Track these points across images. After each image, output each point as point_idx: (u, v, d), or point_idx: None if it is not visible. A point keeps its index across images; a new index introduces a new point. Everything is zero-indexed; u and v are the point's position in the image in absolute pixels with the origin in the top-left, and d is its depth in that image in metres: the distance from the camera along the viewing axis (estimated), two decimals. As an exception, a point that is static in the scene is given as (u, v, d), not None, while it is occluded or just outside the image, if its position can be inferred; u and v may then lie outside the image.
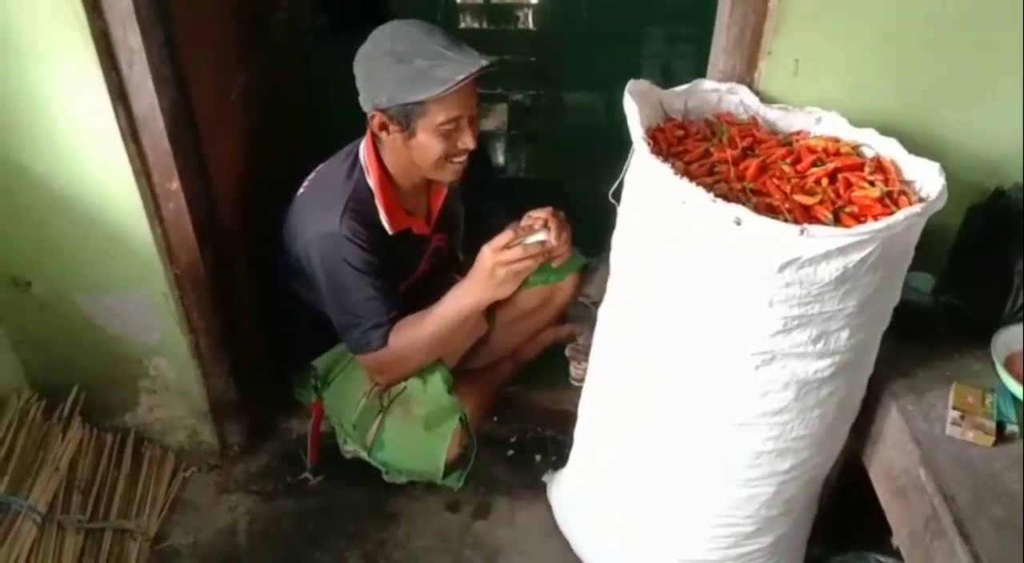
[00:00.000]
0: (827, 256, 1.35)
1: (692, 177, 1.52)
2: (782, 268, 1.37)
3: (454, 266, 2.31)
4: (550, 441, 2.32)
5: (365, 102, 1.88)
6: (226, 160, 2.03)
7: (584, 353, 2.44)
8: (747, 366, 1.49)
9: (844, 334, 1.47)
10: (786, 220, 1.42)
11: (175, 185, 1.85)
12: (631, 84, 1.61)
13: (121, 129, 1.75)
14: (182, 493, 2.19)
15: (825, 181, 1.54)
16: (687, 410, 1.60)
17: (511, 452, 2.31)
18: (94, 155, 1.77)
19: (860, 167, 1.55)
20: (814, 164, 1.56)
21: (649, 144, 1.50)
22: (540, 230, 1.82)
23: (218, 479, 2.23)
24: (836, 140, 1.63)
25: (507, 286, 1.86)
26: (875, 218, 1.44)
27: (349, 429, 2.06)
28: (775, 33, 1.63)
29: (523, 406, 2.41)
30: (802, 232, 1.33)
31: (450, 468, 2.04)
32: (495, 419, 2.36)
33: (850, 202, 1.49)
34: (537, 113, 3.85)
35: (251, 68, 2.20)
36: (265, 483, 2.22)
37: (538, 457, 2.29)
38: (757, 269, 1.38)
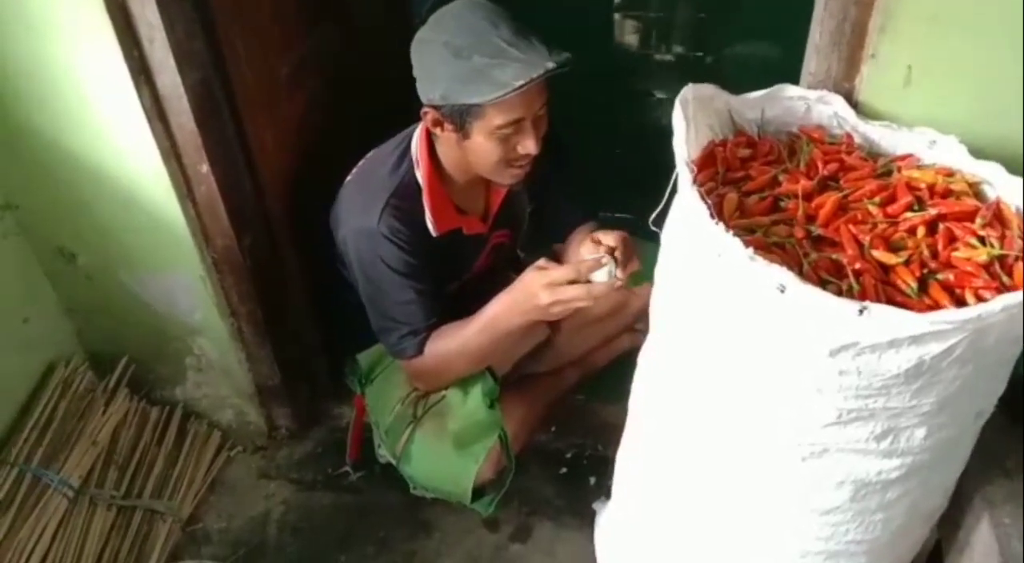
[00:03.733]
0: (895, 344, 1.01)
1: (746, 213, 1.20)
2: (834, 353, 1.03)
3: (514, 264, 2.06)
4: (609, 463, 2.04)
5: (421, 93, 1.62)
6: (274, 143, 1.83)
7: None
8: (791, 456, 1.17)
9: (919, 433, 1.12)
10: (850, 289, 1.08)
11: (205, 168, 1.67)
12: (687, 90, 1.28)
13: (145, 108, 1.58)
14: (224, 473, 2.08)
15: (921, 231, 1.17)
16: (726, 491, 1.29)
17: (564, 469, 2.06)
18: (122, 133, 1.62)
19: (971, 216, 1.16)
20: (910, 207, 1.19)
21: (692, 170, 1.18)
22: (605, 264, 1.52)
23: (261, 462, 2.11)
24: (949, 173, 1.25)
25: (560, 315, 1.60)
26: (975, 293, 1.07)
27: (382, 434, 1.87)
28: (882, 32, 1.24)
29: (585, 419, 2.13)
30: (861, 312, 0.99)
31: (482, 491, 1.82)
32: (552, 429, 2.11)
33: (948, 265, 1.12)
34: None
35: (313, 42, 1.98)
36: (306, 472, 2.08)
37: (592, 480, 2.03)
38: (804, 350, 1.05)
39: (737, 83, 1.37)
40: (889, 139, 1.32)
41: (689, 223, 1.15)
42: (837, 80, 1.32)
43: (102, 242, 1.82)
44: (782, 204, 1.22)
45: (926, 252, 1.13)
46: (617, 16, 2.87)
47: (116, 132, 1.62)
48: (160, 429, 2.04)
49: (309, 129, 1.98)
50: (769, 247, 1.13)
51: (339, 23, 2.10)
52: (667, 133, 1.22)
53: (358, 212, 1.71)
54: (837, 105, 1.33)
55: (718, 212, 1.19)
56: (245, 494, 2.04)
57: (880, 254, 1.12)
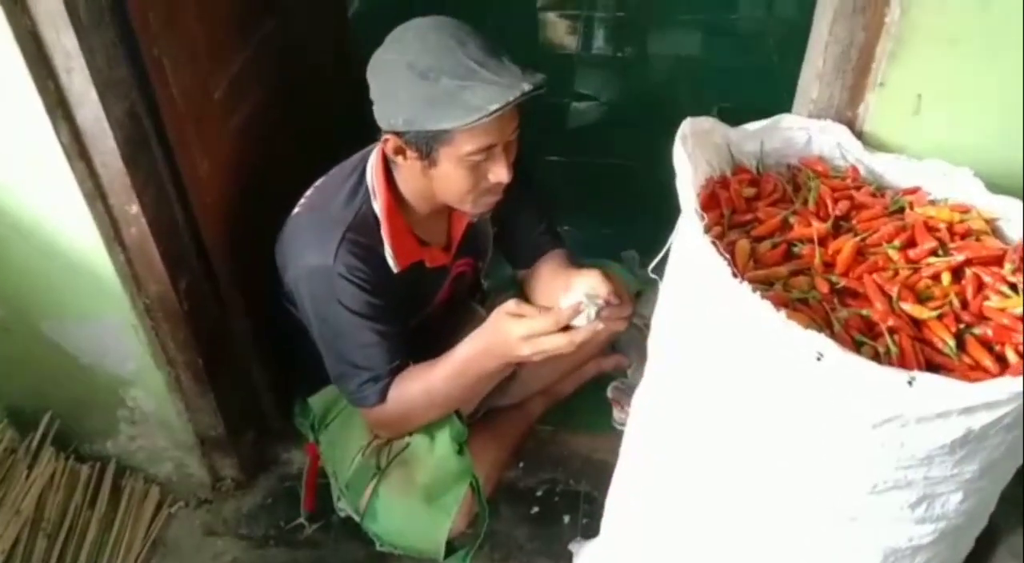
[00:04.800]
0: (943, 415, 0.91)
1: (760, 262, 1.09)
2: (877, 426, 0.93)
3: (477, 295, 1.92)
4: (583, 498, 1.93)
5: (380, 119, 1.46)
6: (209, 173, 1.64)
7: (632, 394, 2.03)
8: (817, 523, 1.08)
9: (955, 497, 1.04)
10: (888, 352, 0.98)
11: (135, 209, 1.48)
12: (686, 125, 1.16)
13: (64, 145, 1.38)
14: (165, 532, 1.89)
15: (947, 278, 1.08)
16: (740, 551, 1.19)
17: (535, 509, 1.93)
18: (38, 174, 1.42)
19: (998, 260, 1.08)
20: (934, 253, 1.10)
21: (703, 218, 1.06)
22: (584, 309, 1.39)
23: (206, 517, 1.92)
24: (965, 210, 1.16)
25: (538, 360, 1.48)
26: (1016, 349, 0.99)
27: (342, 487, 1.72)
28: (891, 59, 1.15)
29: (555, 452, 2.01)
30: (911, 383, 0.89)
31: (454, 544, 1.68)
32: (521, 465, 1.99)
33: (981, 317, 1.03)
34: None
35: (247, 59, 1.80)
36: (256, 526, 1.91)
37: (567, 518, 1.91)
38: (842, 422, 0.95)
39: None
40: (896, 171, 1.23)
41: (702, 279, 1.04)
42: (840, 109, 1.22)
43: (19, 292, 1.60)
44: (795, 250, 1.12)
45: (956, 302, 1.04)
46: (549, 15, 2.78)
47: (31, 173, 1.42)
48: (92, 488, 1.83)
49: (248, 154, 1.79)
50: (792, 304, 1.02)
51: (275, 35, 1.91)
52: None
53: (311, 250, 1.54)
54: (841, 135, 1.24)
55: (730, 261, 1.09)
56: (190, 554, 1.86)
57: (911, 307, 1.03)
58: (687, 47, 2.75)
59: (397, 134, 1.44)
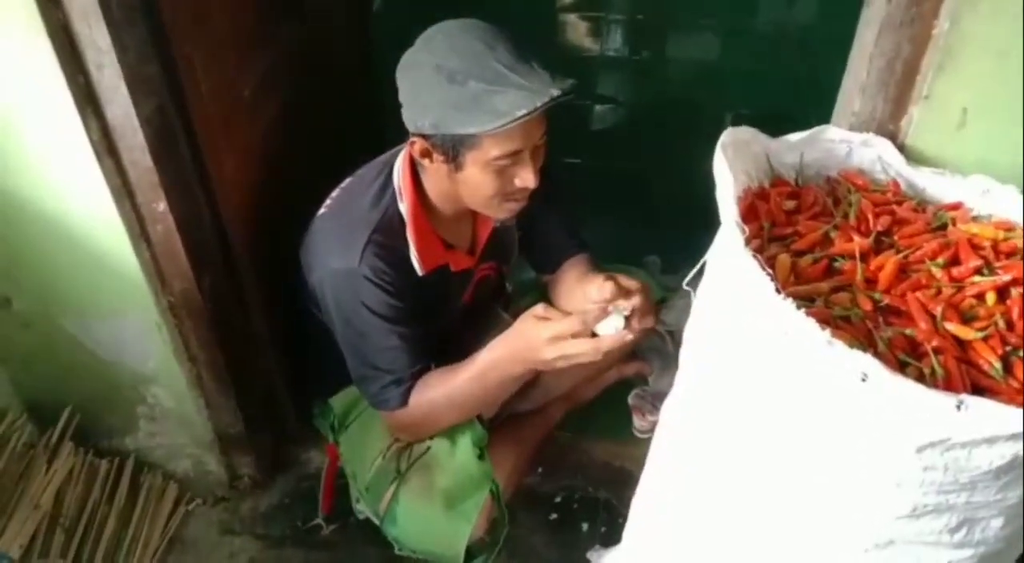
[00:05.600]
0: (991, 441, 0.89)
1: (801, 277, 1.06)
2: (921, 449, 0.91)
3: (501, 299, 1.90)
4: (602, 506, 1.91)
5: (407, 121, 1.44)
6: (237, 172, 1.62)
7: (653, 401, 2.00)
8: (853, 545, 1.05)
9: (996, 523, 1.01)
10: (932, 373, 0.95)
11: (162, 206, 1.46)
12: (726, 135, 1.13)
13: (93, 142, 1.36)
14: (183, 530, 1.88)
15: (992, 297, 1.05)
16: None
17: (554, 515, 1.91)
18: (66, 170, 1.40)
19: (1045, 280, 1.05)
20: (978, 271, 1.07)
21: (744, 231, 1.04)
22: (612, 312, 1.37)
23: (223, 516, 1.91)
24: (1009, 227, 1.13)
25: (563, 367, 1.45)
26: (1065, 374, 0.96)
27: (362, 489, 1.70)
28: (938, 71, 1.12)
29: (575, 458, 1.99)
30: (959, 407, 0.86)
31: (473, 550, 1.66)
32: (540, 471, 1.97)
33: (1028, 338, 1.01)
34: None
35: (274, 59, 1.78)
36: (273, 526, 1.89)
37: (585, 526, 1.89)
38: (885, 444, 0.93)
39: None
40: (937, 186, 1.20)
41: (743, 293, 1.01)
42: (882, 121, 1.20)
43: (41, 286, 1.59)
44: (836, 265, 1.09)
45: (1001, 323, 1.01)
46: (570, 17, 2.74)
47: (59, 169, 1.40)
48: (111, 484, 1.83)
49: (274, 154, 1.77)
50: (835, 321, 1.00)
51: (300, 36, 1.89)
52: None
53: (336, 251, 1.52)
54: (882, 148, 1.21)
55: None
56: (207, 552, 1.85)
57: (955, 328, 1.00)
58: (708, 51, 2.71)
59: (424, 137, 1.42)
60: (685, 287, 1.15)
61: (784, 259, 1.06)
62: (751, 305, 0.98)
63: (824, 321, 0.98)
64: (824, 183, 1.23)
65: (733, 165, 1.14)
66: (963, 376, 0.95)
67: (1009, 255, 1.09)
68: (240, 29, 1.62)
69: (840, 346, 0.90)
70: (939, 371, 0.94)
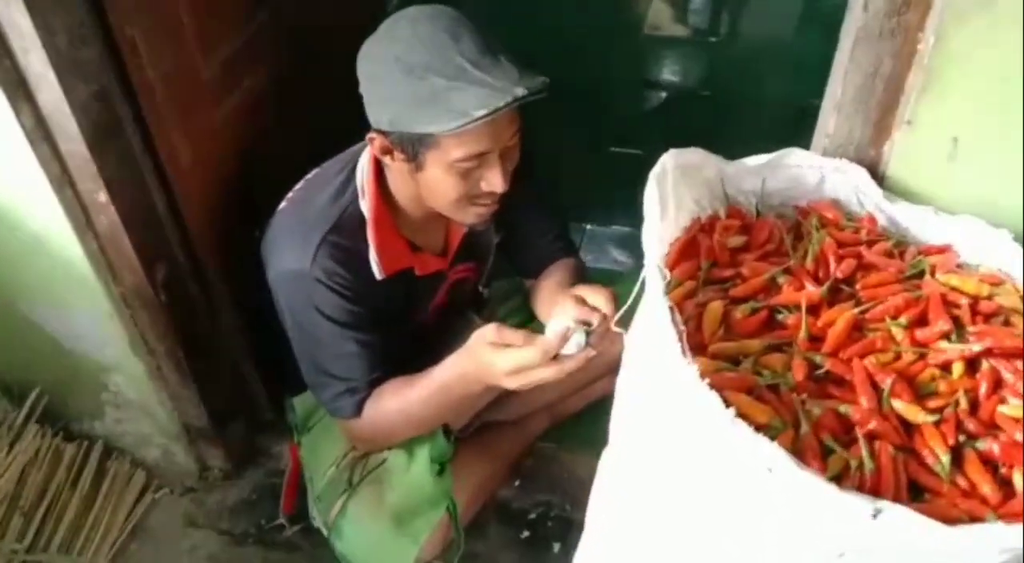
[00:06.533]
0: (913, 555, 0.74)
1: (733, 330, 0.91)
2: (843, 555, 0.76)
3: (476, 305, 1.77)
4: (576, 527, 1.78)
5: (369, 115, 1.33)
6: (197, 161, 1.53)
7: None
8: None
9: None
10: (860, 467, 0.80)
11: (103, 197, 1.38)
12: (666, 159, 0.98)
13: (26, 129, 1.29)
14: (147, 518, 1.83)
15: (959, 368, 0.88)
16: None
17: (527, 533, 1.80)
18: (4, 156, 1.34)
19: (1025, 353, 0.88)
20: (946, 336, 0.90)
21: (665, 276, 0.89)
22: (572, 334, 1.21)
23: (189, 507, 1.86)
24: (997, 281, 0.96)
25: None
26: (1027, 475, 0.80)
27: (314, 497, 1.62)
28: (923, 93, 0.94)
29: (554, 472, 1.86)
30: (876, 515, 0.72)
31: (425, 571, 1.57)
32: (516, 483, 1.86)
33: (990, 425, 0.84)
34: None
35: (254, 30, 1.68)
36: (237, 521, 1.83)
37: (556, 546, 1.78)
38: (803, 542, 0.78)
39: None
40: (922, 225, 1.03)
41: (655, 347, 0.87)
42: (861, 146, 1.02)
43: (-2, 272, 1.55)
44: (779, 318, 0.94)
45: (964, 403, 0.85)
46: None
47: (-1, 155, 1.35)
48: (76, 468, 1.80)
49: (242, 142, 1.67)
50: (759, 390, 0.85)
51: (278, 18, 1.77)
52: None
53: (289, 251, 1.42)
54: (858, 178, 1.04)
55: (695, 327, 0.92)
56: (167, 544, 1.80)
57: (904, 407, 0.84)
58: (783, 35, 2.47)
59: (383, 133, 1.31)
60: (615, 328, 1.01)
61: (715, 308, 0.91)
62: (659, 359, 0.85)
63: (744, 389, 0.84)
64: (791, 213, 1.07)
65: (678, 191, 0.99)
66: (899, 471, 0.79)
67: (989, 318, 0.92)
68: (200, 11, 1.51)
69: (743, 429, 0.75)
70: (869, 464, 0.78)
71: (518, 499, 1.84)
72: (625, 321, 1.08)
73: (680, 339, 0.82)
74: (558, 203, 1.68)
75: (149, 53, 1.39)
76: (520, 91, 1.19)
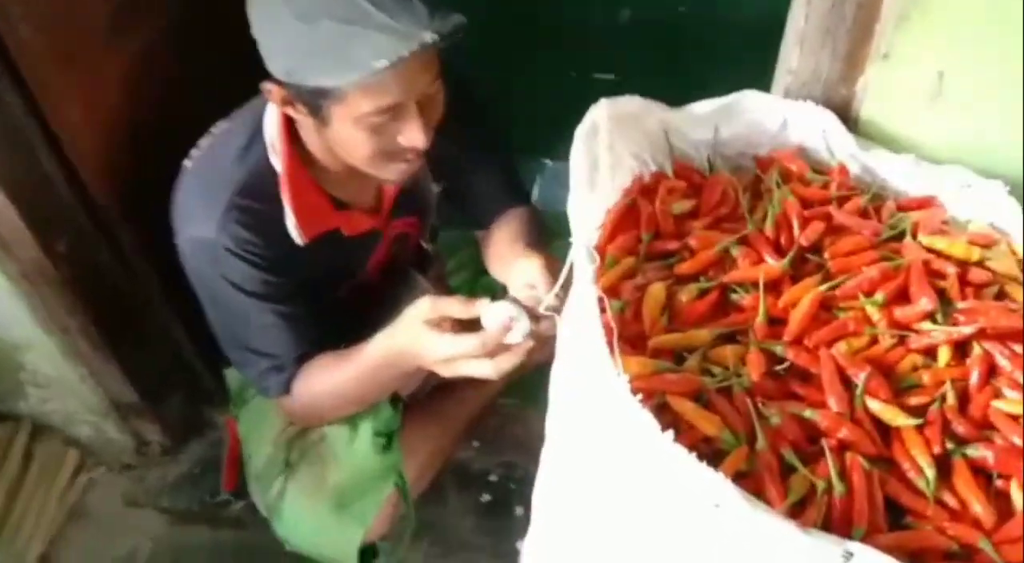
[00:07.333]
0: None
1: (678, 318, 0.77)
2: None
3: (421, 262, 1.61)
4: (539, 489, 1.68)
5: (266, 64, 1.14)
6: (88, 118, 1.34)
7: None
8: None
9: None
10: (828, 490, 0.66)
11: (-20, 167, 1.22)
12: (602, 108, 0.81)
13: None
14: (85, 500, 1.70)
15: (946, 353, 0.74)
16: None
17: (487, 497, 1.69)
18: None
19: (1024, 334, 0.73)
20: (931, 317, 0.75)
21: (595, 259, 0.74)
22: (513, 324, 1.04)
23: (129, 486, 1.72)
24: (989, 242, 0.81)
25: None
26: (1026, 489, 0.66)
27: (253, 477, 1.49)
28: (902, 20, 0.77)
29: (517, 432, 1.72)
30: (846, 559, 0.58)
31: (374, 547, 1.45)
32: (476, 444, 1.73)
33: (983, 424, 0.70)
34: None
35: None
36: (180, 498, 1.70)
37: (519, 510, 1.66)
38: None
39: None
40: (901, 174, 0.87)
41: (583, 349, 0.72)
42: (829, 85, 0.85)
43: None
44: (734, 298, 0.79)
45: (950, 398, 0.71)
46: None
47: None
48: (2, 449, 1.67)
49: (147, 95, 1.47)
50: (708, 393, 0.70)
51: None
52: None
53: (193, 218, 1.25)
54: (827, 122, 0.87)
55: (634, 315, 0.77)
56: (109, 527, 1.67)
57: (880, 407, 0.70)
58: None
59: (281, 84, 1.12)
60: (545, 311, 0.86)
61: (656, 292, 0.76)
62: (587, 372, 0.70)
63: (692, 394, 0.70)
64: (750, 164, 0.91)
65: (615, 147, 0.83)
66: (874, 493, 0.65)
67: (980, 289, 0.77)
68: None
69: (683, 456, 0.61)
70: (839, 487, 0.64)
71: (478, 461, 1.72)
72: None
73: (610, 343, 0.67)
74: (505, 144, 1.50)
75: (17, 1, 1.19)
76: (429, 37, 1.00)
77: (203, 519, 1.68)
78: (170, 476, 1.74)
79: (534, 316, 1.01)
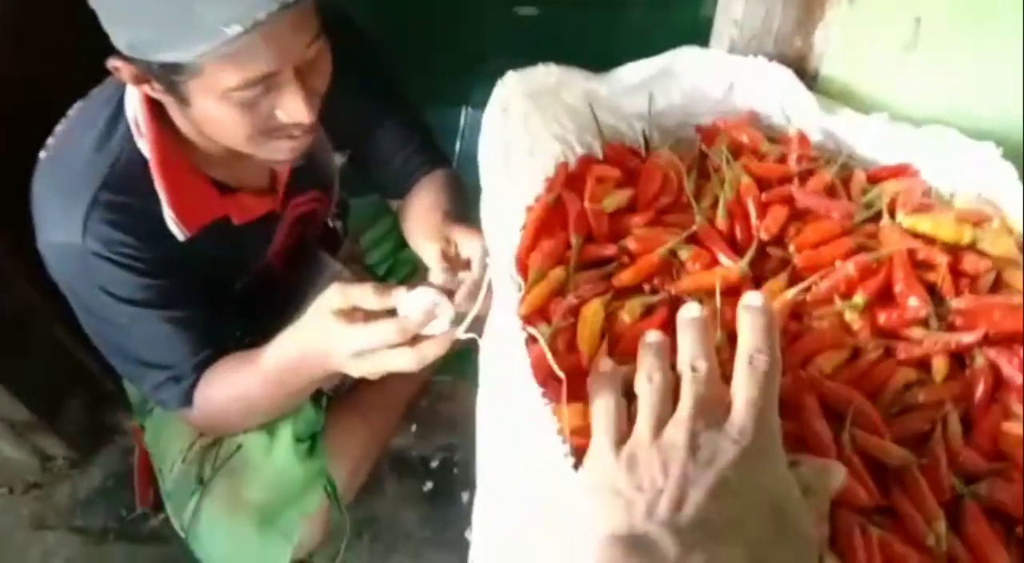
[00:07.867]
0: None
1: (618, 345, 0.63)
2: None
3: (330, 242, 1.44)
4: (485, 471, 1.56)
5: (108, 34, 0.94)
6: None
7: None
8: None
9: None
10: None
11: None
12: (513, 81, 0.66)
13: None
14: (-13, 527, 1.56)
15: (941, 366, 0.61)
16: None
17: (429, 484, 1.57)
18: None
19: (1031, 334, 0.61)
20: (922, 321, 0.62)
21: (520, 286, 0.59)
22: (438, 310, 0.88)
23: (35, 506, 1.56)
24: (980, 219, 0.68)
25: None
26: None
27: (165, 495, 1.33)
28: (872, -45, 0.63)
29: (455, 411, 1.60)
30: None
31: (312, 559, 1.32)
32: (412, 429, 1.60)
33: (994, 455, 0.58)
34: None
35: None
36: (93, 517, 1.55)
37: (465, 496, 1.55)
38: None
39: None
40: (872, 139, 0.73)
41: (509, 386, 0.58)
42: (782, 36, 0.70)
43: None
44: (686, 311, 0.65)
45: (955, 423, 0.59)
46: None
47: None
48: None
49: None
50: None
51: None
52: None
53: (53, 218, 1.05)
54: (781, 80, 0.72)
55: (568, 343, 0.62)
56: (16, 552, 1.52)
57: (872, 442, 0.57)
58: None
59: (126, 60, 0.93)
60: (462, 335, 0.72)
61: (592, 313, 0.61)
62: (515, 412, 0.56)
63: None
64: (693, 136, 0.76)
65: (531, 126, 0.67)
66: (872, 554, 0.53)
67: (976, 279, 0.64)
68: None
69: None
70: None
71: (416, 447, 1.60)
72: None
73: (547, 392, 0.53)
74: (413, 108, 1.33)
75: None
76: None
77: (121, 536, 1.54)
78: (80, 492, 1.59)
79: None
